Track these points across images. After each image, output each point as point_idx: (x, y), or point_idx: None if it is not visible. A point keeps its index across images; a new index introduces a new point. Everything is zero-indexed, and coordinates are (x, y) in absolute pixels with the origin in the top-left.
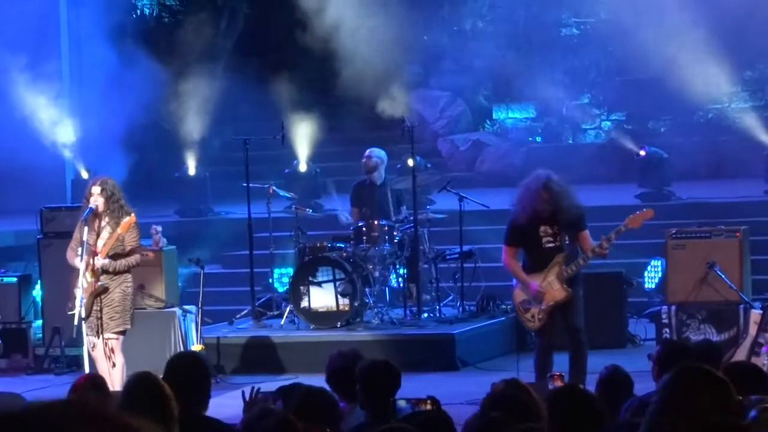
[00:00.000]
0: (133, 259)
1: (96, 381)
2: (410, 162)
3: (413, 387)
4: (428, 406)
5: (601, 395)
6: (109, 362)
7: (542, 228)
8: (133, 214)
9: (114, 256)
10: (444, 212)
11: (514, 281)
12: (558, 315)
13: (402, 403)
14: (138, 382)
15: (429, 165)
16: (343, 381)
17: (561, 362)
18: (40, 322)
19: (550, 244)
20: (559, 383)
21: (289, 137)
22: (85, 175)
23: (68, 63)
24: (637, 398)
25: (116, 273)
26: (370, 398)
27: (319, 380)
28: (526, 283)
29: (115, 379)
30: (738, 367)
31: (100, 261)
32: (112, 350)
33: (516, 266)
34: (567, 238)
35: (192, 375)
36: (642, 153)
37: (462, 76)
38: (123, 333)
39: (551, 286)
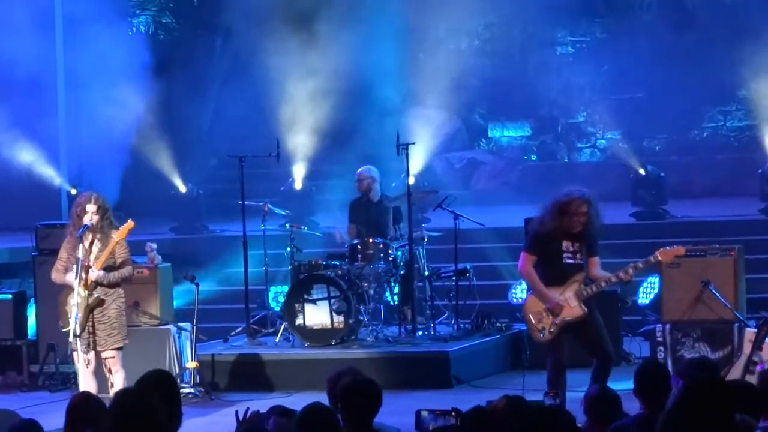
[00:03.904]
0: (126, 271)
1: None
2: (411, 180)
3: (408, 404)
4: (452, 418)
5: (590, 414)
6: (110, 379)
7: (565, 243)
8: (130, 221)
9: (106, 269)
10: (439, 230)
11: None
12: (581, 339)
13: (425, 414)
14: (127, 399)
15: (426, 183)
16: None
17: (573, 380)
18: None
19: (570, 260)
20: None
21: (284, 155)
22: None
23: (63, 78)
24: (621, 424)
25: (111, 286)
26: (350, 416)
27: (313, 398)
28: (544, 294)
29: None
30: (736, 385)
31: (95, 273)
32: (109, 368)
33: (534, 275)
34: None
35: (162, 393)
36: (642, 172)
37: (457, 95)
38: (121, 348)
39: (568, 302)
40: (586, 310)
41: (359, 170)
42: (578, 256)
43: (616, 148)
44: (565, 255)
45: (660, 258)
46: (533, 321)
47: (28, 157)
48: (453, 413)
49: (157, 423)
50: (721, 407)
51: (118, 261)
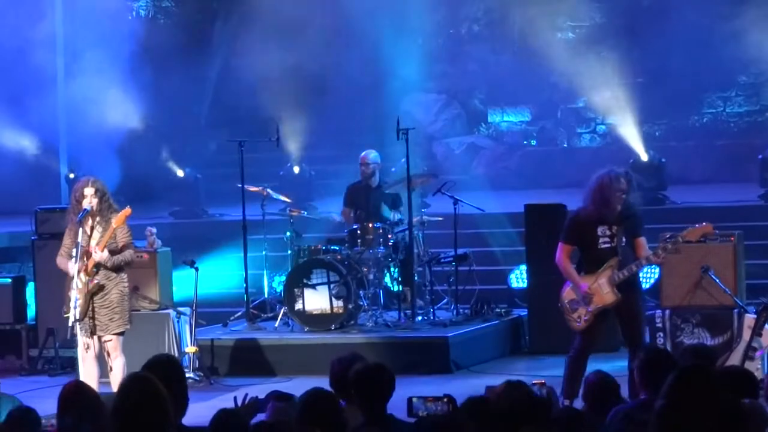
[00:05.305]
0: (128, 254)
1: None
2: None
3: (407, 390)
4: (444, 405)
5: (588, 400)
6: (109, 363)
7: (601, 228)
8: (128, 207)
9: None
10: (439, 215)
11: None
12: (620, 324)
13: (416, 401)
14: (133, 384)
15: (425, 168)
16: (345, 385)
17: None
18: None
19: (606, 245)
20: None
21: (283, 140)
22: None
23: (63, 63)
24: (623, 408)
25: (114, 269)
26: (364, 401)
27: (313, 382)
28: (577, 283)
29: (116, 380)
30: (730, 371)
31: (98, 255)
32: (109, 352)
33: (569, 265)
34: (624, 241)
35: (167, 379)
36: (645, 157)
37: (457, 80)
38: (122, 334)
39: (601, 288)
40: (619, 295)
41: (363, 154)
42: (615, 240)
43: (616, 133)
44: (601, 240)
45: (688, 237)
46: (569, 309)
47: (27, 141)
48: (445, 399)
49: (162, 410)
50: (712, 392)
51: (120, 244)
